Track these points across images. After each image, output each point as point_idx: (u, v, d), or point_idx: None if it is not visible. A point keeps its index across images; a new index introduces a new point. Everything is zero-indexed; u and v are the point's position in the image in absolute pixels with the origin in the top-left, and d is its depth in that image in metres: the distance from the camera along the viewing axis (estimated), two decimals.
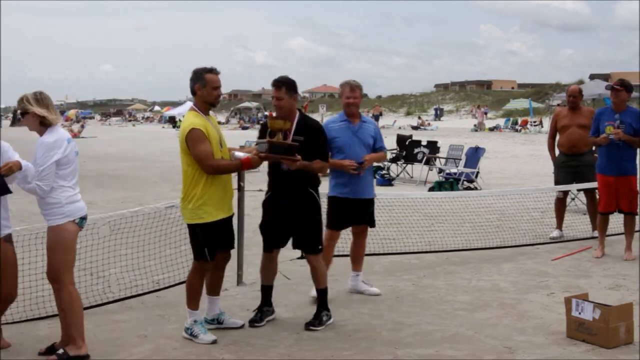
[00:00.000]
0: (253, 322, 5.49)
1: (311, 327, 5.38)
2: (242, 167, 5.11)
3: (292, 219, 5.43)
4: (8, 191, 4.47)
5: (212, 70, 5.11)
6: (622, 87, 7.56)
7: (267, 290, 5.64)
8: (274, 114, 5.51)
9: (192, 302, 5.21)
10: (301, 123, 5.43)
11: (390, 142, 22.28)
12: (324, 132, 5.68)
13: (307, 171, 5.38)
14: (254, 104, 69.10)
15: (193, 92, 5.15)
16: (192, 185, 5.05)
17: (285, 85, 5.36)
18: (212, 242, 5.11)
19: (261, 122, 6.14)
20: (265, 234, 5.54)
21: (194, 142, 4.93)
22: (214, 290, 5.44)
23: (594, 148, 8.73)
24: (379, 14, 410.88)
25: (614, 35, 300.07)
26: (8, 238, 4.71)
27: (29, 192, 4.59)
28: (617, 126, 7.48)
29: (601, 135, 7.58)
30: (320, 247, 5.58)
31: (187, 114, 5.21)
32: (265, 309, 5.59)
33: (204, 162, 4.93)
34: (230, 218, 5.30)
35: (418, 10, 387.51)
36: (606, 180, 7.71)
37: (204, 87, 5.07)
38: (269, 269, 5.60)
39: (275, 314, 5.68)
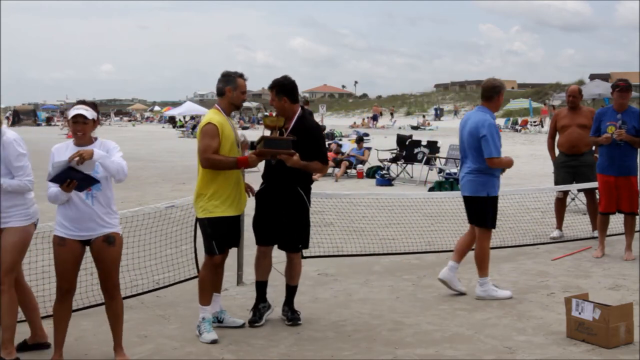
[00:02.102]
0: (253, 323, 5.50)
1: (293, 322, 5.53)
2: (237, 165, 5.17)
3: (278, 215, 5.46)
4: (94, 180, 4.42)
5: (242, 76, 5.39)
6: (625, 87, 7.57)
7: (261, 287, 5.64)
8: (274, 114, 5.56)
9: (202, 297, 5.31)
10: (298, 123, 5.45)
11: (390, 142, 22.31)
12: (322, 134, 5.73)
13: (304, 170, 5.40)
14: (254, 104, 69.00)
15: (221, 93, 5.36)
16: (204, 181, 5.25)
17: (275, 87, 5.44)
18: (219, 237, 5.23)
19: (260, 122, 6.20)
20: (256, 228, 5.56)
21: (203, 135, 5.19)
22: (215, 287, 5.48)
23: (593, 148, 8.74)
24: (380, 13, 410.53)
25: (615, 35, 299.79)
26: (108, 238, 4.57)
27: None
28: (620, 126, 7.49)
29: (602, 135, 7.59)
30: (300, 245, 5.61)
31: (209, 112, 5.41)
32: (261, 306, 5.60)
33: (201, 154, 5.17)
34: (239, 217, 5.41)
35: (420, 10, 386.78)
36: (607, 180, 7.71)
37: (235, 90, 5.32)
38: (262, 264, 5.61)
39: (273, 309, 5.69)
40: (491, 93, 6.42)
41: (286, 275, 5.67)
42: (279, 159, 5.25)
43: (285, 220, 5.47)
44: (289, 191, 5.45)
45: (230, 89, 5.32)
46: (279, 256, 5.78)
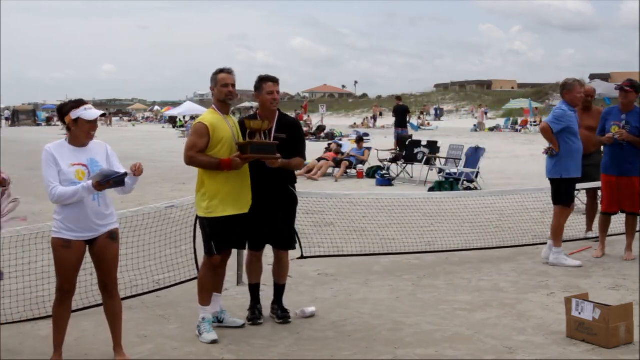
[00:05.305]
0: (254, 320, 5.52)
1: (284, 320, 5.54)
2: (220, 166, 5.13)
3: (274, 216, 5.46)
4: (123, 183, 4.57)
5: (224, 70, 5.36)
6: (631, 88, 7.56)
7: (255, 289, 5.66)
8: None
9: (201, 297, 5.31)
10: (282, 121, 5.53)
11: (390, 142, 22.32)
12: (302, 129, 5.84)
13: (287, 168, 5.45)
14: (254, 104, 68.98)
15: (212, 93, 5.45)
16: (202, 181, 5.26)
17: (277, 80, 5.50)
18: (218, 237, 5.22)
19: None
20: (250, 233, 5.52)
21: (192, 133, 5.28)
22: (215, 287, 5.48)
23: (602, 148, 8.75)
24: (381, 13, 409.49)
25: (615, 35, 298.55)
26: (111, 234, 4.64)
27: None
28: (623, 126, 7.49)
29: (606, 134, 7.60)
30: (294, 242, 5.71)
31: (205, 111, 5.50)
32: (259, 307, 5.62)
33: (185, 151, 5.22)
34: (243, 216, 5.32)
35: (420, 10, 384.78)
36: (608, 180, 7.71)
37: (215, 86, 5.33)
38: (255, 268, 5.63)
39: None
40: (559, 90, 7.70)
41: (275, 274, 5.68)
42: (262, 161, 5.28)
43: (281, 222, 5.50)
44: (281, 190, 5.49)
45: (212, 87, 5.36)
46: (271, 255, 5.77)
